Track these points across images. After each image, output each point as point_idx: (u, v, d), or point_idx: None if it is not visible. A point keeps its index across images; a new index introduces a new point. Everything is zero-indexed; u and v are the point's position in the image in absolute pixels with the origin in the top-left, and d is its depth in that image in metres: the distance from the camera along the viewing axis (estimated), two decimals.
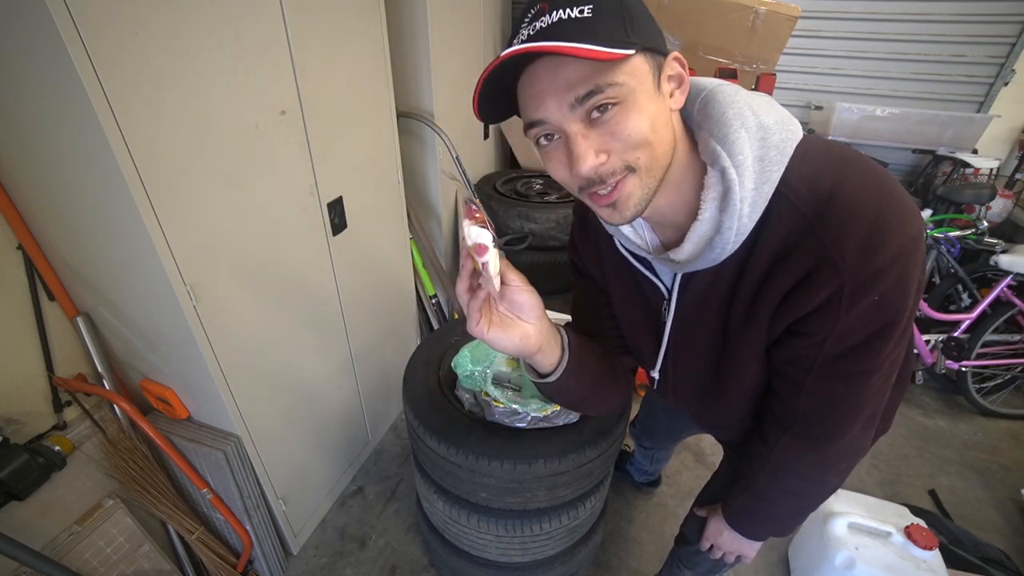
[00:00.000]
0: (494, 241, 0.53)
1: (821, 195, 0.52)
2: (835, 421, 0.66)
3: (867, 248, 0.50)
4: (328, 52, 1.29)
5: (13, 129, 0.92)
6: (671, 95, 0.53)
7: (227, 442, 1.24)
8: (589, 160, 0.50)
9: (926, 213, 2.24)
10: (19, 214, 1.07)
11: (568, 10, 0.46)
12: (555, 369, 0.69)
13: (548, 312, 0.68)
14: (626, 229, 0.66)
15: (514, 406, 1.09)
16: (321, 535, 1.66)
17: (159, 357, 1.20)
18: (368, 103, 1.51)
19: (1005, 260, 1.95)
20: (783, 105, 0.58)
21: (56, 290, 1.16)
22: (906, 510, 1.44)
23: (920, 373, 2.28)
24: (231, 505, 1.36)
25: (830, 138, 2.14)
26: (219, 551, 1.43)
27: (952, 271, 2.18)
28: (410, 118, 2.02)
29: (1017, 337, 2.12)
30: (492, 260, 0.53)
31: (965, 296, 2.19)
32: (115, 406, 1.27)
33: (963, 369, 2.11)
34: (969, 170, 2.51)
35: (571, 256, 0.86)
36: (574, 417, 1.12)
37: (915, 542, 1.31)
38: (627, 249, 0.70)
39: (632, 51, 0.46)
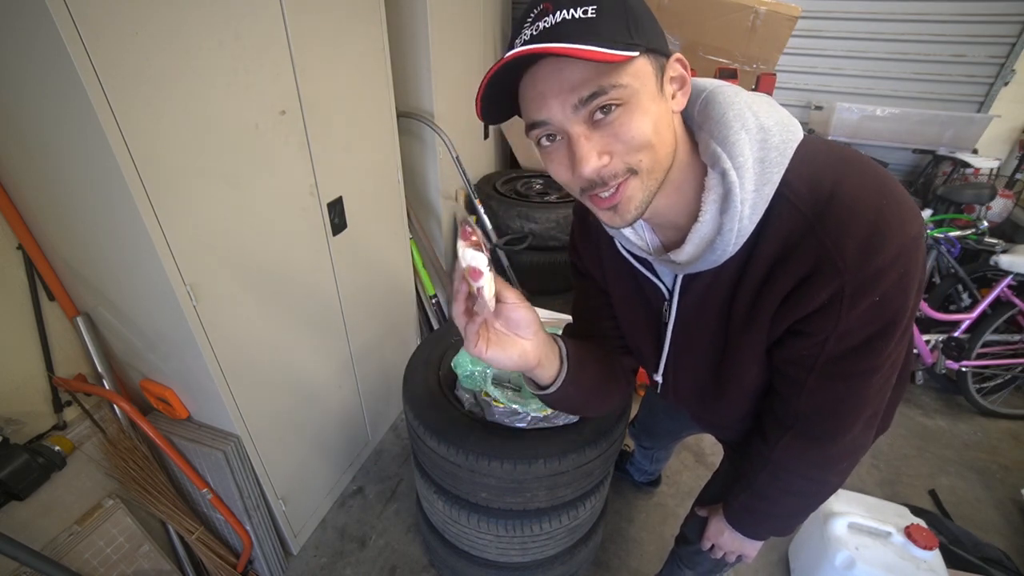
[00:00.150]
0: (489, 265, 0.53)
1: (821, 195, 0.52)
2: (837, 421, 0.66)
3: (867, 248, 0.50)
4: (328, 52, 1.29)
5: (13, 129, 0.92)
6: (673, 97, 0.53)
7: (227, 442, 1.24)
8: (592, 162, 0.50)
9: (926, 213, 2.24)
10: (19, 214, 1.07)
11: (572, 10, 0.46)
12: (555, 380, 0.69)
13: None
14: (627, 230, 0.66)
15: (514, 406, 1.09)
16: (321, 535, 1.66)
17: (159, 357, 1.20)
18: (368, 103, 1.51)
19: (1005, 260, 1.95)
20: (783, 105, 0.58)
21: (56, 290, 1.16)
22: (906, 510, 1.44)
23: (920, 373, 2.28)
24: (231, 505, 1.36)
25: (830, 138, 2.15)
26: (219, 551, 1.43)
27: (952, 271, 2.18)
28: (410, 118, 2.02)
29: (1017, 337, 2.12)
30: (487, 284, 0.53)
31: (965, 296, 2.19)
32: (115, 406, 1.27)
33: (963, 369, 2.11)
34: (969, 170, 2.51)
35: (571, 257, 0.86)
36: (574, 417, 1.12)
37: (915, 542, 1.31)
38: (627, 250, 0.70)
39: (636, 53, 0.46)
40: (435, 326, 2.21)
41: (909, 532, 1.33)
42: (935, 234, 2.13)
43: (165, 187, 0.93)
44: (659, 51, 0.50)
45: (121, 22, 0.81)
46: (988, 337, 2.07)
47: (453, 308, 0.57)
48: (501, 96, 0.53)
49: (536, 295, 2.40)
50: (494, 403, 1.10)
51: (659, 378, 0.82)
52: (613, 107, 0.48)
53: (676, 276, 0.66)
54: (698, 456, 1.96)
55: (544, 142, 0.53)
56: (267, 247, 1.22)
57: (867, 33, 2.66)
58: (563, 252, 2.43)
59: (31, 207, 1.06)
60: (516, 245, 2.35)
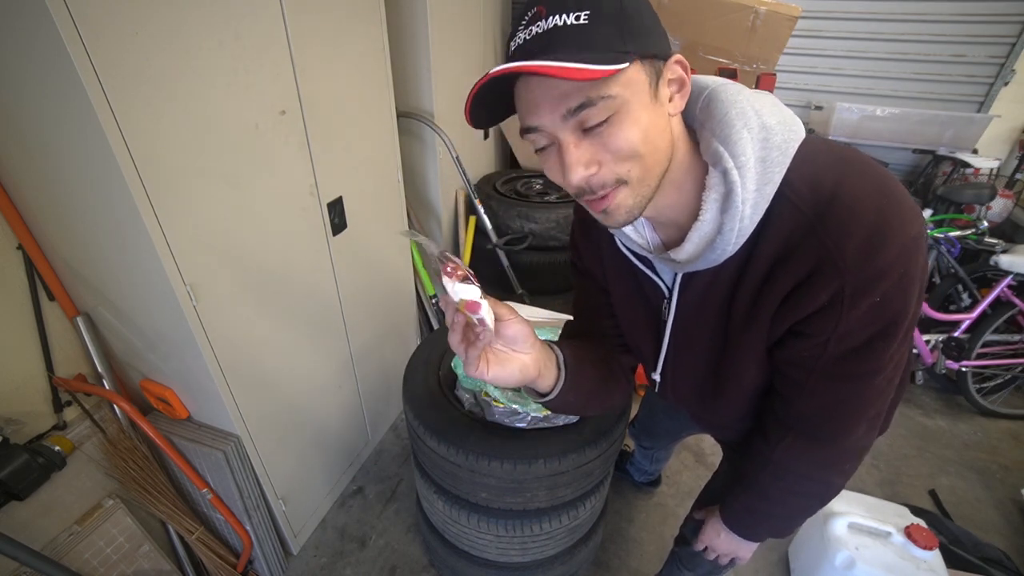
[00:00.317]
0: (482, 294, 0.53)
1: (822, 195, 0.52)
2: (839, 422, 0.66)
3: (868, 248, 0.50)
4: (328, 52, 1.29)
5: (13, 129, 0.92)
6: (671, 99, 0.53)
7: (227, 442, 1.24)
8: (579, 172, 0.51)
9: (926, 213, 2.24)
10: (19, 214, 1.07)
11: (564, 16, 0.46)
12: (553, 388, 0.70)
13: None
14: (627, 228, 0.66)
15: (514, 406, 1.09)
16: (321, 535, 1.66)
17: (159, 357, 1.20)
18: (368, 103, 1.51)
19: (1005, 260, 1.95)
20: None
21: (56, 290, 1.16)
22: (906, 510, 1.44)
23: (920, 373, 2.28)
24: (231, 505, 1.36)
25: (830, 138, 2.14)
26: (219, 551, 1.43)
27: (952, 271, 2.18)
28: (410, 118, 2.02)
29: (1017, 337, 2.12)
30: (487, 314, 0.54)
31: (965, 296, 2.19)
32: (115, 406, 1.27)
33: (963, 369, 2.11)
34: (969, 170, 2.51)
35: (572, 255, 0.86)
36: (574, 417, 1.12)
37: (915, 542, 1.31)
38: (628, 248, 0.70)
39: (625, 64, 0.46)
40: (435, 326, 2.21)
41: (909, 532, 1.33)
42: (935, 234, 2.13)
43: (165, 187, 0.93)
44: (656, 55, 0.50)
45: (121, 22, 0.81)
46: (988, 337, 2.07)
47: (450, 338, 0.57)
48: (494, 101, 0.53)
49: (536, 295, 2.40)
50: (494, 403, 1.10)
51: (657, 377, 0.82)
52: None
53: (676, 274, 0.66)
54: (698, 456, 1.96)
55: (540, 143, 0.54)
56: (267, 247, 1.22)
57: (867, 33, 2.66)
58: (563, 252, 2.43)
59: (31, 207, 1.06)
60: (516, 245, 2.35)
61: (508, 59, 0.50)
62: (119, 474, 1.29)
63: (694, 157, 0.58)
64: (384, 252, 1.79)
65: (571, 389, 0.71)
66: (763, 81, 2.36)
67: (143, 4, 0.83)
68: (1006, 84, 2.54)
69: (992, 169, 2.51)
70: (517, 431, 1.10)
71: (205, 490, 1.32)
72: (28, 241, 1.09)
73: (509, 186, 2.73)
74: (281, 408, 1.40)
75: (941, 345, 2.14)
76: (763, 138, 0.53)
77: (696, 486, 1.82)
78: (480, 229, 2.35)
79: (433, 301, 2.19)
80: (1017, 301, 2.02)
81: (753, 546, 0.89)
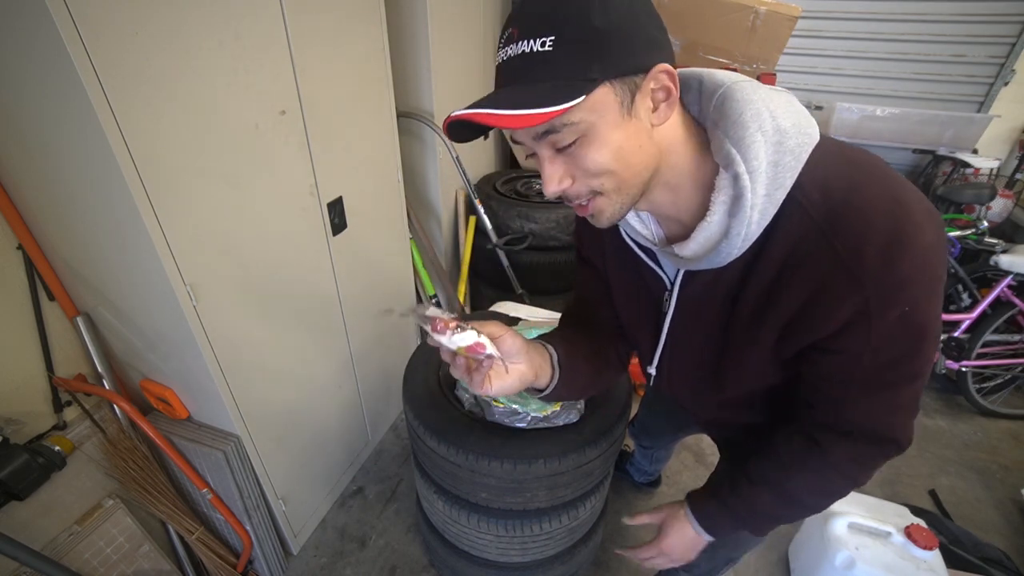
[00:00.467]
0: (478, 332, 0.57)
1: (834, 201, 0.51)
2: (884, 426, 0.64)
3: (886, 257, 0.49)
4: (328, 52, 1.29)
5: (13, 129, 0.92)
6: (655, 109, 0.52)
7: (227, 442, 1.24)
8: (552, 186, 0.54)
9: None
10: (19, 214, 1.07)
11: (531, 41, 0.47)
12: (547, 386, 0.74)
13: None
14: (632, 220, 0.66)
15: (514, 406, 1.09)
16: (321, 535, 1.66)
17: (159, 357, 1.20)
18: (368, 103, 1.51)
19: (1005, 260, 1.95)
20: None
21: (56, 290, 1.16)
22: (906, 510, 1.44)
23: None
24: (231, 505, 1.36)
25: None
26: (219, 551, 1.43)
27: (952, 271, 2.18)
28: (410, 118, 2.02)
29: (1017, 337, 2.12)
30: (491, 350, 0.58)
31: (965, 296, 2.19)
32: (115, 406, 1.27)
33: (963, 369, 2.11)
34: (969, 170, 2.52)
35: (575, 241, 0.87)
36: (574, 417, 1.12)
37: (915, 542, 1.31)
38: (632, 239, 0.70)
39: (579, 99, 0.46)
40: None
41: (909, 532, 1.33)
42: None
43: (165, 187, 0.93)
44: (633, 71, 0.49)
45: (121, 22, 0.81)
46: (988, 337, 2.07)
47: (452, 373, 0.63)
48: (470, 123, 0.53)
49: (536, 295, 2.40)
50: (494, 403, 1.10)
51: (653, 370, 0.82)
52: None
53: (678, 268, 0.66)
54: (698, 456, 1.96)
55: (527, 151, 0.56)
56: (267, 247, 1.22)
57: (867, 33, 2.66)
58: (563, 252, 2.43)
59: (31, 207, 1.06)
60: (516, 245, 2.35)
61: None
62: (119, 474, 1.29)
63: (700, 158, 0.57)
64: (384, 252, 1.79)
65: (564, 386, 0.75)
66: (763, 81, 2.36)
67: (143, 4, 0.83)
68: (1006, 84, 2.55)
69: (992, 169, 2.51)
70: (517, 431, 1.10)
71: (205, 490, 1.32)
72: (28, 241, 1.09)
73: (509, 186, 2.73)
74: (281, 408, 1.40)
75: (941, 345, 2.14)
76: (777, 142, 0.52)
77: (696, 486, 1.82)
78: (480, 229, 2.34)
79: (433, 301, 2.19)
80: (1017, 301, 2.02)
81: (702, 546, 0.84)
